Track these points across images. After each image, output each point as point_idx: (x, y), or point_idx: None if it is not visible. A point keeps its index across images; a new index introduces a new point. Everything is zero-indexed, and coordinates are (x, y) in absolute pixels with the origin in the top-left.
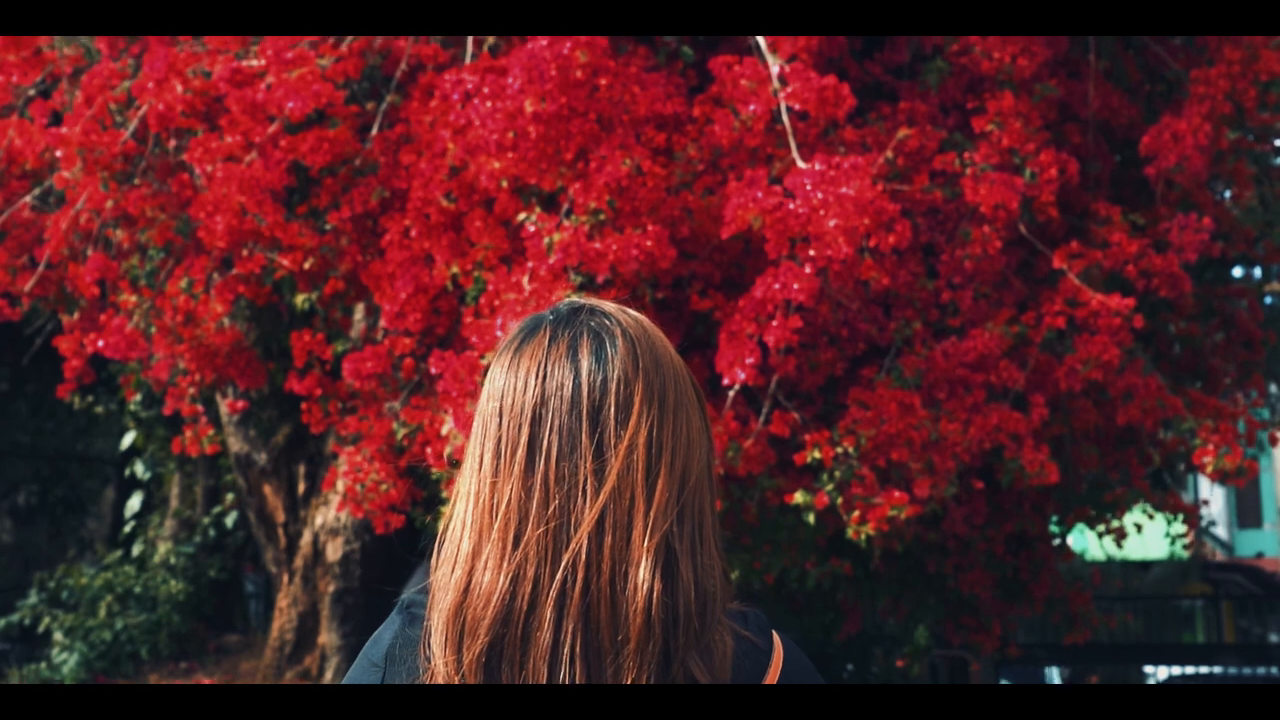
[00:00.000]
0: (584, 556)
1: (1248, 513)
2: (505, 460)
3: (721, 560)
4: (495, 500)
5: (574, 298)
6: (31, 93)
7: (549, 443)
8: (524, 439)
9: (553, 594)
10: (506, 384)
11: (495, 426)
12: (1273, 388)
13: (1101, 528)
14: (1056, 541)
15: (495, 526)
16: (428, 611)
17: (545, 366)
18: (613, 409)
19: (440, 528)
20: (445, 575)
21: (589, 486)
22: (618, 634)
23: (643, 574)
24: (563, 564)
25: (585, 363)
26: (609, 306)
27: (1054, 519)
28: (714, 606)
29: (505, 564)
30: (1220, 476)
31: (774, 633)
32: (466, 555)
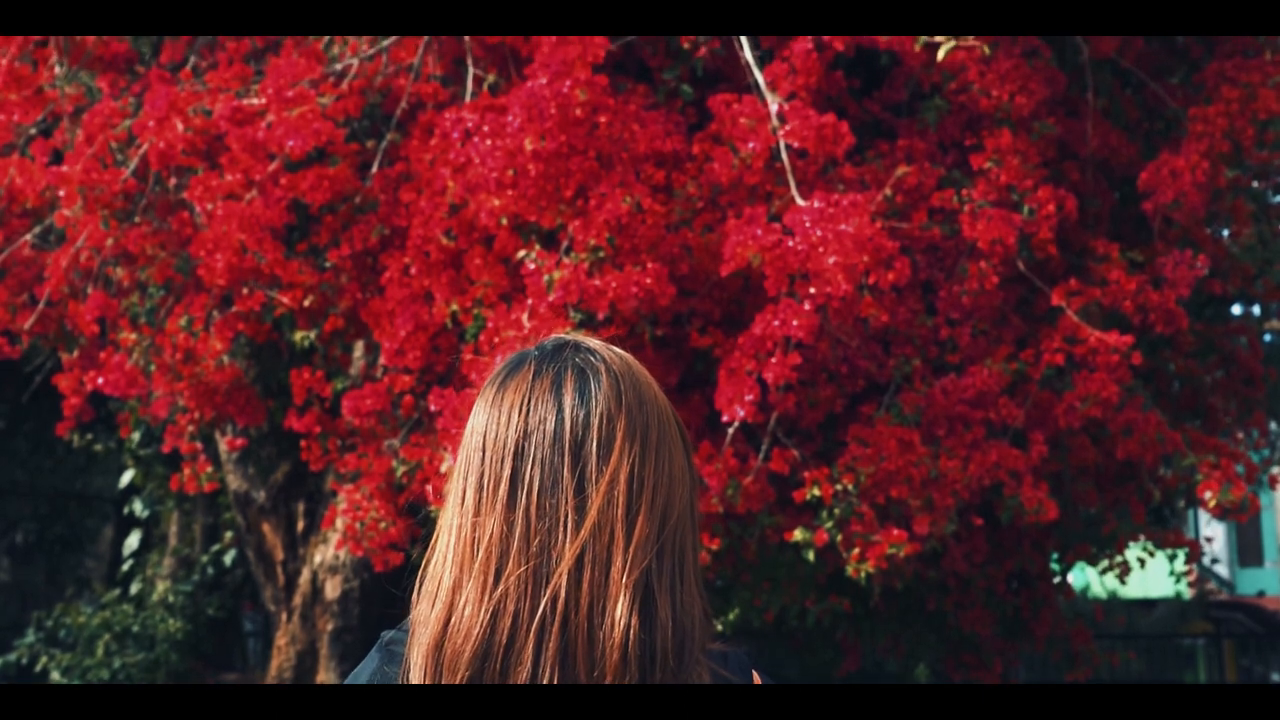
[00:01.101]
0: (563, 593)
1: (1248, 551)
2: (487, 495)
3: (702, 599)
4: (477, 536)
5: (560, 334)
6: (33, 131)
7: (531, 478)
8: (506, 474)
9: (532, 630)
10: (490, 419)
11: (478, 462)
12: (1273, 425)
13: (1104, 563)
14: (1057, 579)
15: (476, 562)
16: (407, 647)
17: (529, 402)
18: (595, 445)
19: (423, 563)
20: (425, 610)
21: (570, 522)
22: (594, 670)
23: (620, 610)
24: (543, 600)
25: (569, 399)
26: (594, 343)
27: (1054, 556)
28: (692, 645)
29: (486, 599)
30: (1223, 510)
31: (754, 673)
32: (447, 590)
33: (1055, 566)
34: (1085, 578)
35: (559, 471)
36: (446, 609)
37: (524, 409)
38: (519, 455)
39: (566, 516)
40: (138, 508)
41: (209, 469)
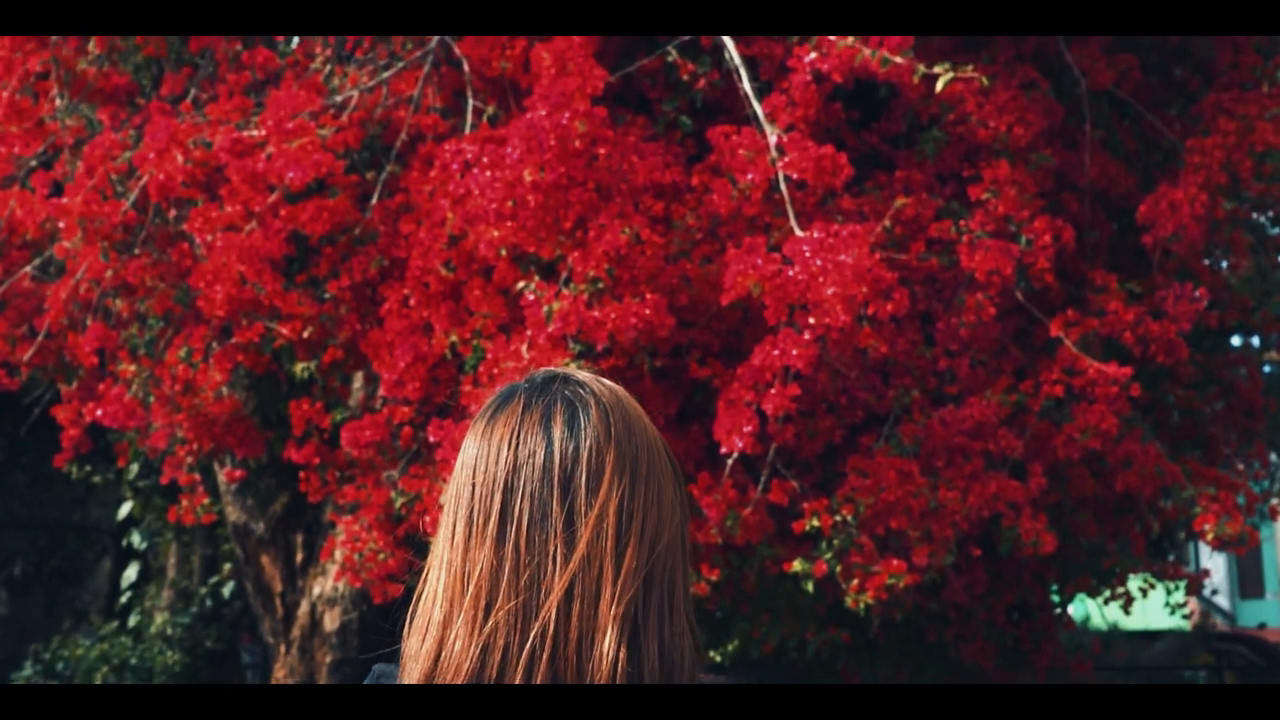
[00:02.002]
0: (552, 627)
1: (1249, 583)
2: (477, 529)
3: (693, 631)
4: (467, 570)
5: (549, 367)
6: (33, 164)
7: (520, 511)
8: (496, 508)
9: (521, 664)
10: (479, 453)
11: (468, 496)
12: (1274, 457)
13: (1106, 594)
14: (1058, 611)
15: (467, 596)
16: (397, 681)
17: (518, 435)
18: (584, 478)
19: (414, 596)
20: (416, 644)
21: (559, 556)
22: None
23: (608, 643)
24: (531, 634)
25: (558, 431)
26: (584, 376)
27: (1055, 588)
28: (680, 677)
29: (476, 635)
30: (1221, 543)
31: None
32: (438, 624)
33: (1056, 598)
34: (1085, 610)
35: (548, 505)
36: (437, 644)
37: (513, 442)
38: (508, 489)
39: (555, 550)
40: (136, 539)
41: (207, 500)
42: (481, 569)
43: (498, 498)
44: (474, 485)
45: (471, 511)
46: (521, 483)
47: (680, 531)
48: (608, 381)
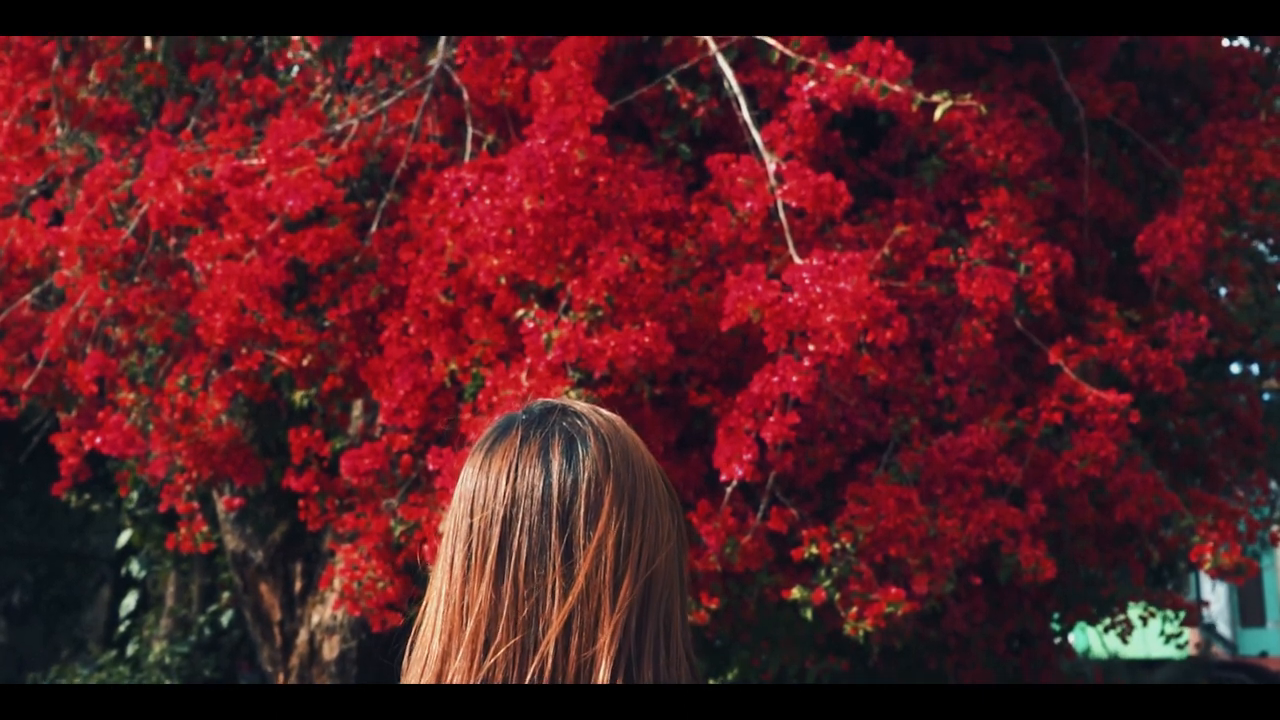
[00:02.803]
0: (550, 661)
1: (1250, 611)
2: (476, 562)
3: (690, 662)
4: (465, 603)
5: (547, 398)
6: (34, 192)
7: (519, 544)
8: (494, 541)
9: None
10: (478, 485)
11: (466, 528)
12: (1274, 484)
13: (1106, 622)
14: (1058, 639)
15: (466, 631)
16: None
17: (516, 467)
18: (582, 509)
19: (413, 628)
20: (415, 677)
21: (558, 589)
22: None
23: (604, 676)
24: (530, 669)
25: (556, 463)
26: (581, 407)
27: (1055, 616)
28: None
29: (475, 671)
30: (1219, 573)
31: None
32: (436, 659)
33: (1056, 627)
34: (1086, 639)
35: (547, 537)
36: (435, 678)
37: (512, 475)
38: (507, 522)
39: (554, 583)
40: (134, 568)
41: (206, 529)
42: (481, 603)
43: (496, 531)
44: (472, 518)
45: (470, 544)
46: (520, 515)
47: (678, 561)
48: (605, 412)
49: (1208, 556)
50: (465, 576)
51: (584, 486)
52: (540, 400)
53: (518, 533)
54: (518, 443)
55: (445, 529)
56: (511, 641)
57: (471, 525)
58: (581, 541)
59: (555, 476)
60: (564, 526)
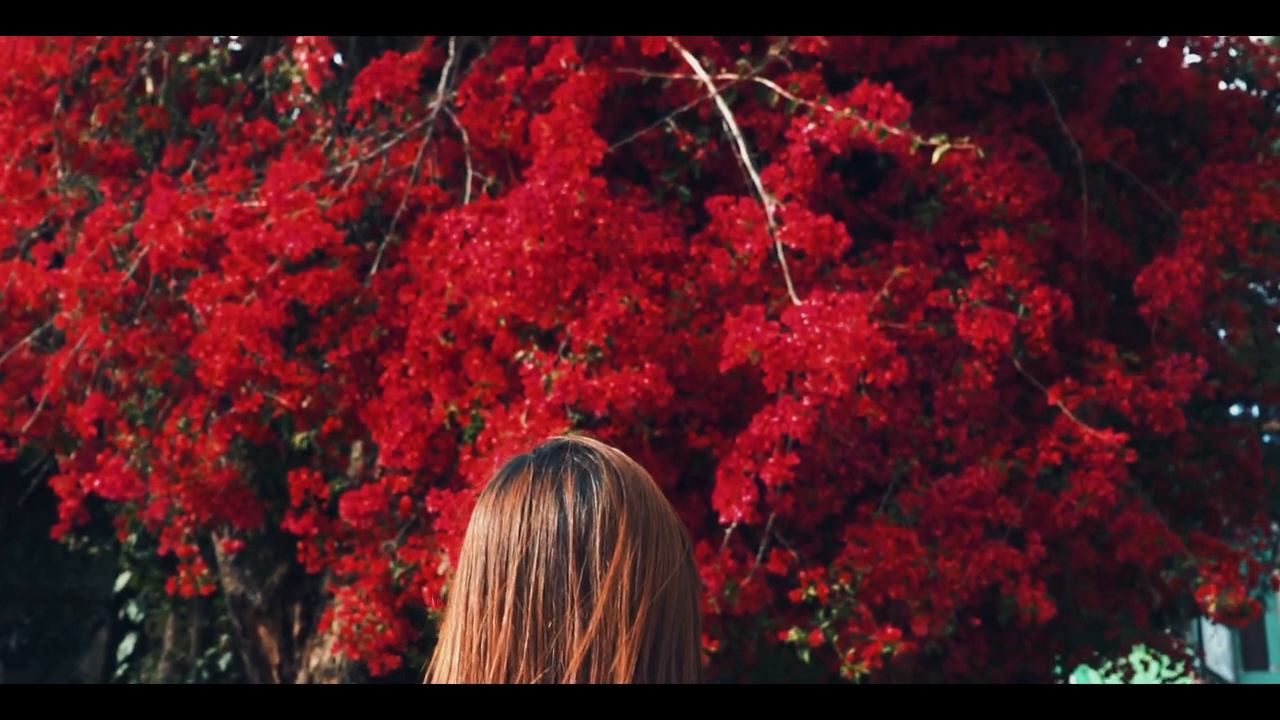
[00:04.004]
0: None
1: (1253, 654)
2: (493, 599)
3: None
4: (484, 640)
5: (558, 436)
6: (34, 235)
7: (536, 577)
8: (512, 577)
9: None
10: (491, 523)
11: (481, 566)
12: (1275, 527)
13: (1108, 665)
14: (1060, 682)
15: (487, 669)
16: None
17: (530, 504)
18: (598, 540)
19: (426, 673)
20: None
21: (577, 621)
22: None
23: None
24: None
25: (570, 497)
26: (592, 442)
27: (1057, 659)
28: None
29: None
30: (1223, 616)
31: None
32: None
33: (1058, 670)
34: (1088, 681)
35: (564, 570)
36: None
37: (525, 510)
38: (524, 557)
39: (574, 615)
40: (132, 611)
41: (205, 571)
42: (501, 641)
43: (513, 566)
44: (486, 555)
45: (486, 582)
46: (536, 550)
47: (690, 592)
48: (615, 448)
49: (1211, 599)
50: (481, 613)
51: (598, 518)
52: (551, 438)
53: (534, 567)
54: (530, 479)
55: (458, 570)
56: (536, 678)
57: (486, 562)
58: (598, 573)
59: (570, 510)
60: (580, 559)
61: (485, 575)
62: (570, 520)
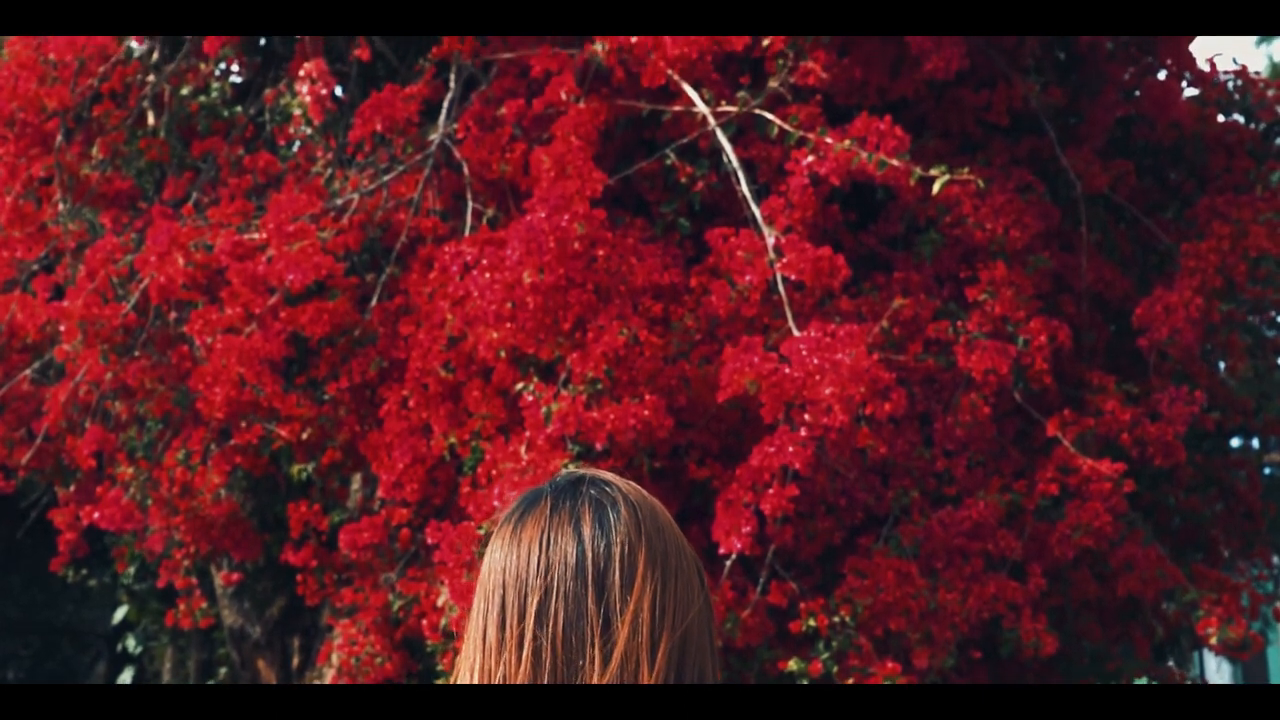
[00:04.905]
0: None
1: None
2: (511, 631)
3: None
4: (503, 675)
5: (572, 468)
6: (35, 267)
7: (555, 611)
8: (532, 610)
9: None
10: (509, 556)
11: (499, 599)
12: (1276, 559)
13: None
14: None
15: None
16: None
17: (548, 536)
18: (618, 574)
19: None
20: None
21: (598, 656)
22: None
23: None
24: None
25: (588, 530)
26: (608, 475)
27: None
28: None
29: None
30: (1225, 649)
31: None
32: None
33: None
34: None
35: (583, 603)
36: None
37: (544, 543)
38: (544, 590)
39: (595, 650)
40: (131, 644)
41: (204, 604)
42: (522, 674)
43: (533, 600)
44: (504, 588)
45: (504, 615)
46: (555, 583)
47: (708, 628)
48: (631, 482)
49: (1213, 631)
50: (500, 647)
51: (618, 552)
52: (566, 471)
53: (554, 600)
54: (548, 512)
55: (475, 604)
56: None
57: (504, 596)
58: (618, 607)
59: (588, 543)
60: (600, 593)
61: (503, 609)
62: (589, 554)
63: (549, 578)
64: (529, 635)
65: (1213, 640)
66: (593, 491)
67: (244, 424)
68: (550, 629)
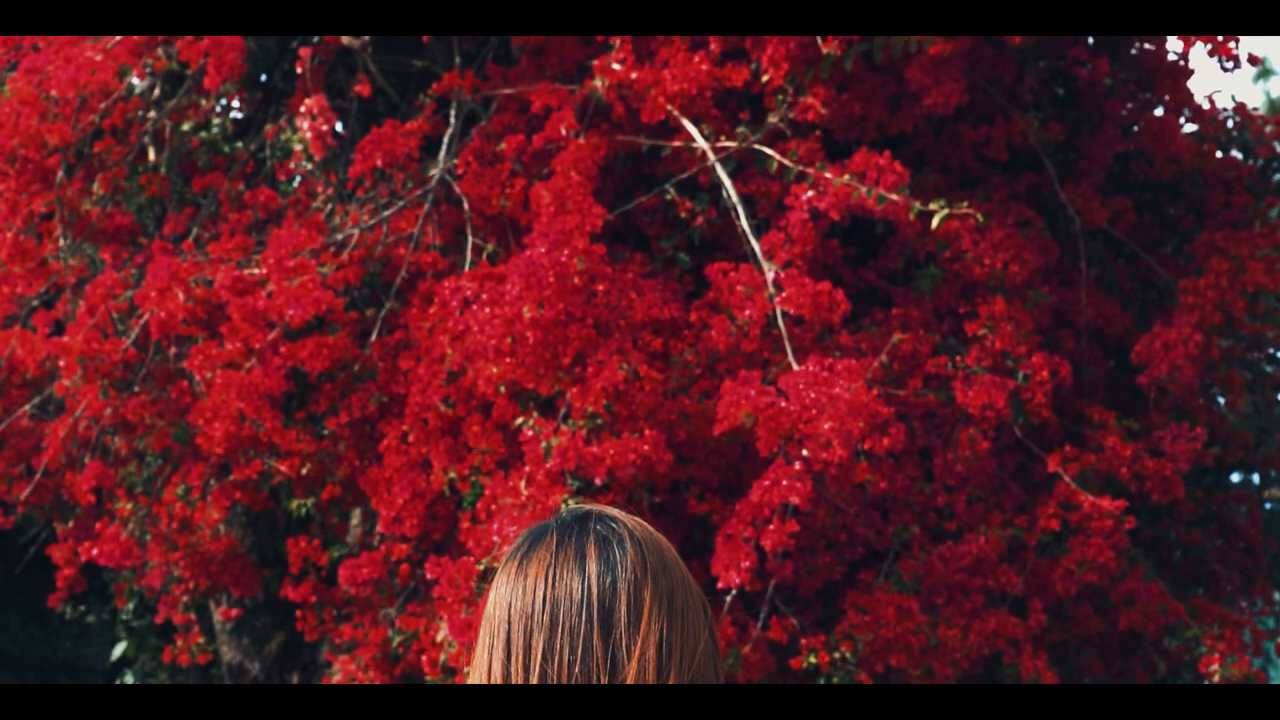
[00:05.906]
0: None
1: None
2: (516, 668)
3: None
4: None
5: (576, 504)
6: (35, 303)
7: (560, 647)
8: (538, 646)
9: None
10: (514, 591)
11: (504, 634)
12: (1277, 595)
13: None
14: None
15: None
16: None
17: (553, 572)
18: (624, 611)
19: None
20: None
21: None
22: None
23: None
24: None
25: (593, 566)
26: (614, 511)
27: None
28: None
29: None
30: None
31: None
32: None
33: None
34: None
35: (589, 641)
36: None
37: (549, 579)
38: (546, 627)
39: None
40: (129, 680)
41: (202, 640)
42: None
43: (539, 636)
44: (509, 623)
45: (509, 651)
46: (560, 619)
47: (714, 664)
48: (637, 518)
49: (1215, 668)
50: (504, 683)
51: (624, 588)
52: (572, 507)
53: (559, 636)
54: (554, 547)
55: (480, 639)
56: None
57: (509, 631)
58: (625, 644)
59: (594, 579)
60: (606, 629)
61: (509, 644)
62: (595, 590)
63: (555, 614)
64: (534, 671)
65: (1215, 677)
66: (599, 527)
67: (243, 459)
68: (556, 665)
